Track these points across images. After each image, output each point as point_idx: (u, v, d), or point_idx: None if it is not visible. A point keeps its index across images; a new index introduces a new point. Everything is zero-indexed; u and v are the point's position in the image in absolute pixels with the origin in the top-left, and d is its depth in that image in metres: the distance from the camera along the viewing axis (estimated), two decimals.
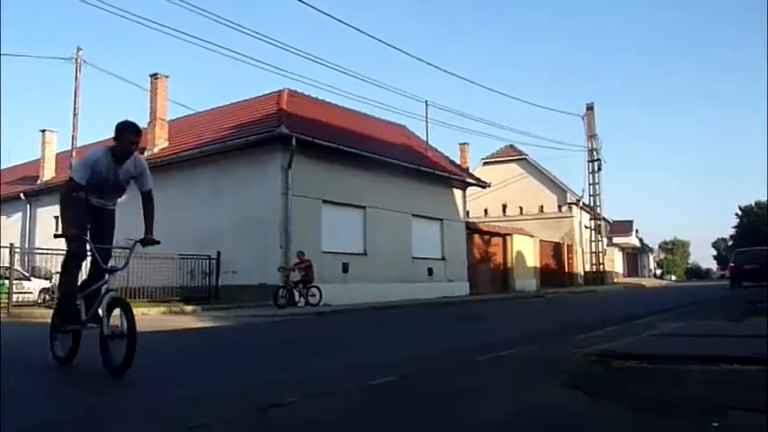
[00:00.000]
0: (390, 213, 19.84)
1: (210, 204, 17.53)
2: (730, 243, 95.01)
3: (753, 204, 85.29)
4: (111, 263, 4.91)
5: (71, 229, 4.83)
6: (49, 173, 25.25)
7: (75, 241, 4.84)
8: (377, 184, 19.36)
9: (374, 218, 19.30)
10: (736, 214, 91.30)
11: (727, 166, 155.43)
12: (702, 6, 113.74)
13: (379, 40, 30.52)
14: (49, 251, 14.99)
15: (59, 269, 5.28)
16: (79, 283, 5.06)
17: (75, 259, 4.96)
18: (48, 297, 15.83)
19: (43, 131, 25.97)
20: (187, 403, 3.47)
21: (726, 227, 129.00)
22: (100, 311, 4.59)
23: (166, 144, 20.25)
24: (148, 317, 12.03)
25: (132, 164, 5.00)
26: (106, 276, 4.75)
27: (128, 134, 4.88)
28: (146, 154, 20.64)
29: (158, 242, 4.96)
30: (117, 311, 4.47)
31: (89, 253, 4.91)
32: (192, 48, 73.86)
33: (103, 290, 4.72)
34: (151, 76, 20.85)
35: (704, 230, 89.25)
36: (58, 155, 25.66)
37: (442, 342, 7.09)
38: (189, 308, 14.06)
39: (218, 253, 16.65)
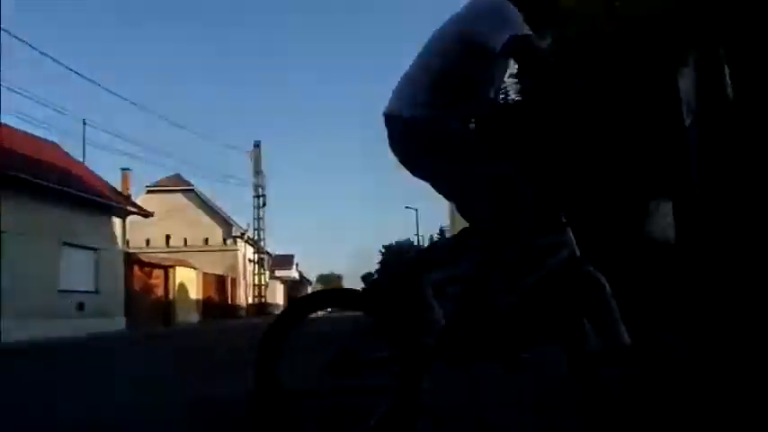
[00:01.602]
0: (35, 240, 17.62)
1: None
2: (375, 276, 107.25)
3: (393, 243, 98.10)
4: None
5: None
6: None
7: None
8: (20, 208, 17.05)
9: (14, 246, 16.94)
10: (380, 251, 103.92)
11: (375, 210, 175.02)
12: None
13: (33, 48, 26.56)
14: None
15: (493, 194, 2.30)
16: None
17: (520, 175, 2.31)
18: None
19: None
20: None
21: (372, 262, 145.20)
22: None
23: None
24: None
25: None
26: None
27: None
28: None
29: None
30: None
31: None
32: None
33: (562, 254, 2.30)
34: None
35: (355, 266, 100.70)
36: None
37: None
38: None
39: None
